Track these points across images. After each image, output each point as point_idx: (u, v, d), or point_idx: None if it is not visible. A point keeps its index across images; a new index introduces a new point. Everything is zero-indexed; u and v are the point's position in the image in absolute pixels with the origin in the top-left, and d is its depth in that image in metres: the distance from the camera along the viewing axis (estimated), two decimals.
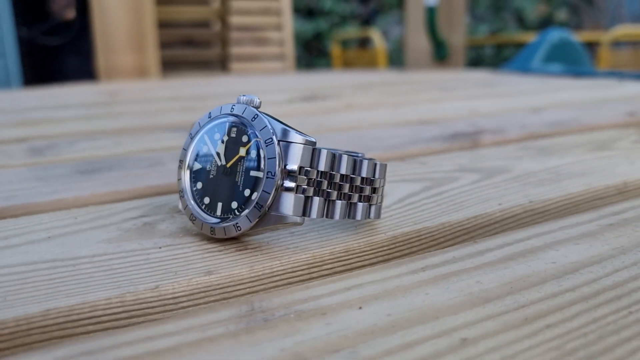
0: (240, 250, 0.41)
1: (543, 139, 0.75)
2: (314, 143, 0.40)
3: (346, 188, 0.41)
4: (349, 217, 0.42)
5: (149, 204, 0.52)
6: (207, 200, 0.43)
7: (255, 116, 0.41)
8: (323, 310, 0.32)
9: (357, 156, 0.43)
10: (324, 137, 0.81)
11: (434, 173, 0.59)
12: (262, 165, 0.40)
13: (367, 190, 0.42)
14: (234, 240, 0.42)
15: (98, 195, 0.56)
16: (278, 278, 0.39)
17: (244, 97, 0.43)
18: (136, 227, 0.46)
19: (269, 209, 0.40)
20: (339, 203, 0.41)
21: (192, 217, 0.43)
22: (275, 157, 0.40)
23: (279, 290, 0.35)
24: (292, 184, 0.40)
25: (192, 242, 0.42)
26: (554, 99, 1.20)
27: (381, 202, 0.44)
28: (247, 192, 0.41)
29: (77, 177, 0.63)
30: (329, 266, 0.41)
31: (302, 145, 0.40)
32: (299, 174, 0.40)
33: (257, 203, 0.40)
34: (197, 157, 0.44)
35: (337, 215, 0.42)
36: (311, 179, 0.40)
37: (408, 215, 0.47)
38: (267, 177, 0.40)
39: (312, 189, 0.40)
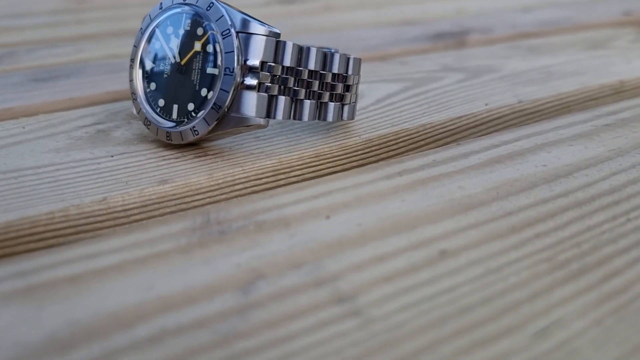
0: (200, 156, 0.37)
1: (534, 38, 0.70)
2: (277, 34, 0.35)
3: (315, 85, 0.37)
4: (319, 118, 0.38)
5: (105, 111, 0.47)
6: (161, 102, 0.38)
7: (211, 5, 0.36)
8: (286, 221, 0.29)
9: (328, 51, 0.38)
10: (299, 38, 0.76)
11: (416, 73, 0.54)
12: (219, 61, 0.35)
13: (339, 87, 0.38)
14: (192, 146, 0.38)
15: (50, 103, 0.51)
16: (241, 186, 0.35)
17: None
18: (88, 135, 0.41)
19: (228, 109, 0.35)
20: (307, 102, 0.37)
21: (147, 122, 0.39)
22: (233, 51, 0.35)
23: (239, 200, 0.32)
24: (254, 82, 0.35)
25: (148, 150, 0.38)
26: None
27: (355, 101, 0.39)
28: (204, 92, 0.36)
29: (31, 85, 0.58)
30: (297, 172, 0.37)
31: (265, 37, 0.35)
32: (262, 69, 0.35)
33: (214, 103, 0.35)
34: (149, 55, 0.39)
35: (305, 116, 0.37)
36: (275, 75, 0.36)
37: (385, 117, 0.43)
38: (224, 74, 0.35)
39: (276, 87, 0.36)
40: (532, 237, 0.26)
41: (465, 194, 0.31)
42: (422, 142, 0.41)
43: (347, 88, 0.38)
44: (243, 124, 0.36)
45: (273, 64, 0.35)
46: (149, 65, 0.39)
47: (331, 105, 0.38)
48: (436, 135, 0.42)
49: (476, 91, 0.48)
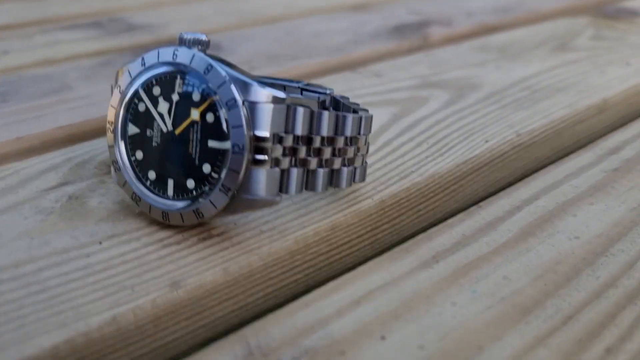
0: (205, 239, 0.33)
1: (497, 34, 0.69)
2: (283, 100, 0.31)
3: (327, 153, 0.33)
4: (331, 185, 0.35)
5: (66, 161, 0.41)
6: (152, 175, 0.33)
7: (209, 68, 0.31)
8: (339, 347, 0.26)
9: (341, 114, 0.34)
10: (253, 33, 0.70)
11: (396, 92, 0.51)
12: (224, 134, 0.31)
13: (351, 151, 0.35)
14: (191, 228, 0.34)
15: None
16: (258, 276, 0.32)
17: (189, 36, 0.32)
18: (60, 205, 0.36)
19: (237, 191, 0.31)
20: (320, 172, 0.34)
21: (135, 197, 0.34)
22: (242, 126, 0.30)
23: (275, 316, 0.28)
24: (264, 157, 0.31)
25: (141, 231, 0.34)
26: None
27: (366, 162, 0.36)
28: (206, 169, 0.32)
29: None
30: (314, 249, 0.34)
31: (272, 106, 0.31)
32: (272, 142, 0.31)
33: (223, 185, 0.31)
34: (132, 118, 0.34)
35: (319, 187, 0.34)
36: (286, 146, 0.32)
37: (390, 166, 0.40)
38: (233, 152, 0.31)
39: (287, 160, 0.32)
40: (603, 353, 0.25)
41: (513, 288, 0.29)
42: (432, 194, 0.39)
43: (358, 149, 0.35)
44: (254, 206, 0.32)
45: (284, 134, 0.32)
46: (132, 130, 0.34)
47: (344, 171, 0.34)
48: (444, 184, 0.39)
49: (469, 120, 0.46)
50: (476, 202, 0.37)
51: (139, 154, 0.34)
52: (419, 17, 0.74)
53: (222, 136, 0.31)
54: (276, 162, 0.32)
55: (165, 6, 0.82)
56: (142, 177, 0.34)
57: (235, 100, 0.30)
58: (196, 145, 0.32)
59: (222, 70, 0.31)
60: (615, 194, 0.37)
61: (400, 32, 0.69)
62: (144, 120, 0.33)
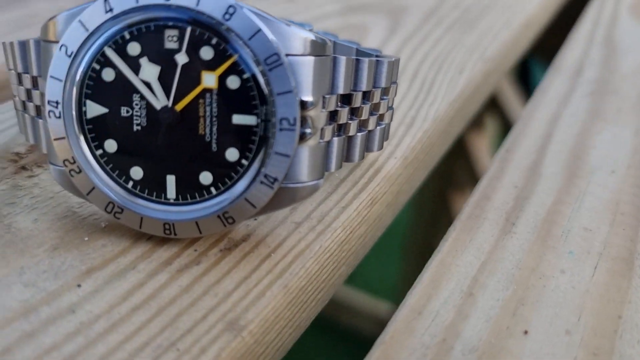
0: (229, 249, 0.24)
1: None
2: (324, 45, 0.23)
3: (365, 112, 0.26)
4: (366, 151, 0.27)
5: None
6: (137, 173, 0.23)
7: (231, 9, 0.21)
8: (481, 353, 0.20)
9: (373, 55, 0.27)
10: None
11: (324, 19, 0.44)
12: (257, 104, 0.22)
13: (383, 106, 0.27)
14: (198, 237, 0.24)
15: None
16: (314, 283, 0.24)
17: None
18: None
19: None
20: (359, 137, 0.26)
21: (115, 208, 0.23)
22: (291, 91, 0.22)
23: (390, 337, 0.21)
24: (308, 129, 0.23)
25: (126, 253, 0.23)
26: None
27: (392, 117, 0.29)
28: (231, 155, 0.22)
29: None
30: (357, 232, 0.27)
31: (313, 59, 0.22)
32: (316, 107, 0.23)
33: (266, 176, 0.22)
34: (93, 93, 0.22)
35: (356, 156, 0.26)
36: (330, 111, 0.24)
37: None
38: (281, 129, 0.22)
39: (330, 128, 0.24)
40: None
41: (600, 239, 0.26)
42: (436, 139, 0.33)
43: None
44: (297, 197, 0.23)
45: (328, 95, 0.23)
46: (95, 110, 0.22)
47: (377, 131, 0.27)
48: (444, 127, 0.34)
49: (427, 49, 0.41)
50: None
51: (110, 145, 0.23)
52: None
53: (253, 107, 0.22)
54: (321, 134, 0.23)
55: None
56: (119, 178, 0.23)
57: (277, 55, 0.21)
58: (212, 124, 0.22)
59: (250, 13, 0.21)
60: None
61: None
62: (115, 94, 0.22)
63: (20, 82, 0.26)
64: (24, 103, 0.26)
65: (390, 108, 0.28)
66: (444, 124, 0.34)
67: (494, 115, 0.86)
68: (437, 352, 0.20)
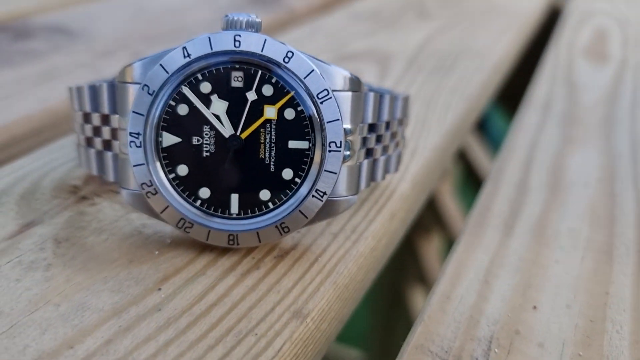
0: (282, 257, 0.28)
1: (356, 2, 0.70)
2: (359, 82, 0.28)
3: (387, 139, 0.31)
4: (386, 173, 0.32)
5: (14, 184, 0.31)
6: (205, 193, 0.27)
7: (289, 54, 0.26)
8: (511, 327, 0.25)
9: (389, 93, 0.32)
10: (96, 11, 0.60)
11: None
12: (308, 131, 0.26)
13: (399, 134, 0.32)
14: (253, 248, 0.28)
15: None
16: (354, 283, 0.28)
17: (242, 17, 0.26)
18: (52, 253, 0.27)
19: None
20: (381, 160, 0.31)
21: (186, 224, 0.27)
22: (339, 119, 0.26)
23: (424, 319, 0.25)
24: (348, 152, 0.27)
25: (194, 262, 0.27)
26: None
27: (404, 144, 0.34)
28: (287, 174, 0.27)
29: None
30: (383, 242, 0.31)
31: (351, 94, 0.27)
32: (354, 134, 0.28)
33: (318, 190, 0.27)
34: (169, 125, 0.26)
35: (379, 177, 0.31)
36: (363, 137, 0.29)
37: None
38: (330, 150, 0.26)
39: (363, 152, 0.29)
40: None
41: (584, 236, 0.31)
42: (434, 164, 0.39)
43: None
44: (337, 209, 0.28)
45: (362, 124, 0.28)
46: (169, 140, 0.26)
47: (394, 156, 0.32)
48: (441, 155, 0.40)
49: (416, 90, 0.46)
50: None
51: (182, 169, 0.27)
52: None
53: (306, 134, 0.26)
54: (357, 157, 0.28)
55: None
56: (189, 197, 0.27)
57: (327, 91, 0.26)
58: (270, 149, 0.27)
59: (306, 57, 0.26)
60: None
61: (259, 4, 0.65)
62: (188, 126, 0.26)
63: (87, 121, 0.30)
64: (88, 139, 0.30)
65: (403, 137, 0.33)
66: (439, 152, 0.39)
67: (458, 162, 0.93)
68: (467, 325, 0.25)
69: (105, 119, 0.29)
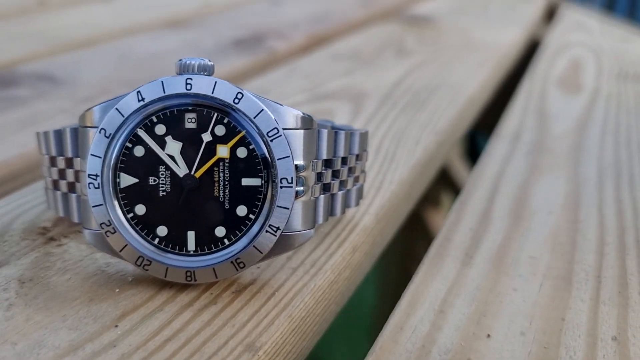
0: (239, 292, 0.28)
1: (332, 43, 0.71)
2: (311, 120, 0.29)
3: (344, 174, 0.32)
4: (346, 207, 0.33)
5: None
6: (162, 231, 0.28)
7: (239, 95, 0.27)
8: (462, 356, 0.25)
9: (348, 130, 0.33)
10: (78, 58, 0.61)
11: (296, 106, 0.50)
12: (261, 168, 0.27)
13: (358, 169, 0.33)
14: (213, 283, 0.29)
15: None
16: (311, 315, 0.29)
17: (194, 62, 0.27)
18: (15, 293, 0.27)
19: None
20: (339, 195, 0.32)
21: (144, 261, 0.27)
22: (289, 156, 0.27)
23: (378, 347, 0.26)
24: (301, 187, 0.28)
25: (154, 299, 0.28)
26: None
27: (364, 179, 0.35)
28: (241, 211, 0.28)
29: None
30: (343, 275, 0.32)
31: (303, 132, 0.28)
32: (307, 170, 0.28)
33: (271, 226, 0.27)
34: (126, 167, 0.27)
35: (338, 211, 0.32)
36: (317, 172, 0.29)
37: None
38: (281, 186, 0.27)
39: (318, 187, 0.30)
40: None
41: (544, 264, 0.31)
42: (404, 198, 0.39)
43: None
44: (295, 243, 0.28)
45: (315, 160, 0.29)
46: (127, 181, 0.27)
47: (353, 190, 0.33)
48: (408, 190, 0.40)
49: (387, 127, 0.47)
50: (427, 198, 0.38)
51: (140, 209, 0.27)
52: (247, 32, 0.73)
53: (258, 172, 0.27)
54: (312, 192, 0.29)
55: None
56: (147, 236, 0.28)
57: (277, 129, 0.27)
58: (224, 187, 0.27)
59: (254, 97, 0.27)
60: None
61: (241, 47, 0.67)
62: (144, 166, 0.27)
63: (53, 164, 0.31)
64: (55, 182, 0.31)
65: (363, 171, 0.34)
66: (407, 185, 0.40)
67: (447, 188, 0.93)
68: (419, 355, 0.25)
69: (70, 162, 0.30)
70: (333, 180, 0.31)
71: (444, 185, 0.88)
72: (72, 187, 0.30)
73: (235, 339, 0.26)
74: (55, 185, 0.31)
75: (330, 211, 0.31)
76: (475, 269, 0.31)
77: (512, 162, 0.43)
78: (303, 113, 0.28)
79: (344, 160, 0.31)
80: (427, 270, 0.31)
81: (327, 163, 0.30)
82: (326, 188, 0.31)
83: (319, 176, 0.30)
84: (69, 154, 0.29)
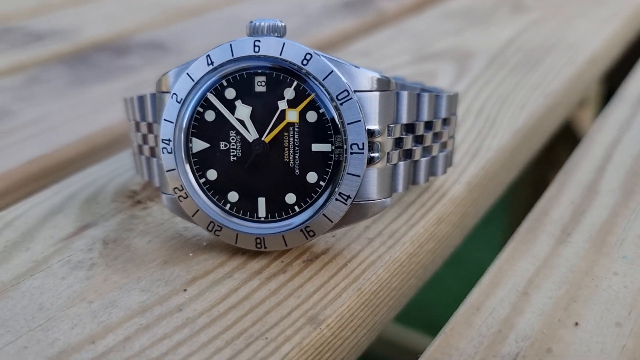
0: (310, 261, 0.28)
1: (445, 1, 0.67)
2: (388, 82, 0.27)
3: (428, 139, 0.30)
4: (430, 175, 0.31)
5: (67, 198, 0.33)
6: (233, 196, 0.27)
7: (308, 56, 0.26)
8: (543, 344, 0.22)
9: (434, 91, 0.30)
10: (189, 26, 0.63)
11: (397, 69, 0.48)
12: (331, 134, 0.26)
13: (445, 135, 0.31)
14: (285, 251, 0.28)
15: None
16: (385, 289, 0.27)
17: (265, 22, 0.26)
18: (99, 254, 0.28)
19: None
20: (422, 162, 0.30)
21: (215, 227, 0.27)
22: (360, 120, 0.26)
23: (450, 328, 0.24)
24: (376, 154, 0.26)
25: (224, 265, 0.28)
26: None
27: (454, 145, 0.32)
28: (311, 177, 0.26)
29: None
30: (425, 248, 0.30)
31: (378, 94, 0.26)
32: (382, 135, 0.27)
33: (341, 194, 0.26)
34: (198, 131, 0.27)
35: (421, 179, 0.30)
36: (395, 138, 0.28)
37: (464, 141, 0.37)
38: (352, 152, 0.26)
39: (396, 153, 0.28)
40: None
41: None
42: (500, 168, 0.36)
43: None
44: (367, 213, 0.27)
45: (393, 124, 0.27)
46: (200, 146, 0.27)
47: (440, 157, 0.31)
48: (507, 157, 0.37)
49: (492, 89, 0.44)
50: (527, 169, 0.35)
51: (212, 174, 0.27)
52: None
53: (329, 137, 0.26)
54: (388, 158, 0.27)
55: (60, 8, 0.71)
56: (219, 201, 0.27)
57: (347, 91, 0.25)
58: (294, 152, 0.26)
59: (324, 58, 0.26)
60: None
61: (349, 8, 0.65)
62: (215, 131, 0.27)
63: (137, 130, 0.31)
64: (140, 147, 0.32)
65: (451, 137, 0.31)
66: (506, 153, 0.37)
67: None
68: (493, 340, 0.23)
69: (150, 127, 0.30)
70: (415, 146, 0.29)
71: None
72: (153, 152, 0.31)
73: (299, 310, 0.25)
74: (140, 149, 0.32)
75: (412, 179, 0.30)
76: (571, 248, 0.28)
77: (632, 129, 0.38)
78: (381, 75, 0.26)
79: (429, 125, 0.29)
80: (516, 247, 0.28)
81: (409, 128, 0.28)
82: (407, 154, 0.29)
83: (398, 142, 0.28)
84: (150, 119, 0.30)
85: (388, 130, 0.27)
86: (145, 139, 0.31)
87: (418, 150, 0.29)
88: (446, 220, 0.31)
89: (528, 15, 0.61)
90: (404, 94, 0.27)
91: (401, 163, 0.28)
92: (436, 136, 0.30)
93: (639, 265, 0.27)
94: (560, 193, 0.32)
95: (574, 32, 0.55)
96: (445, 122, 0.30)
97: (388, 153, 0.27)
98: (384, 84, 0.26)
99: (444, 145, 0.31)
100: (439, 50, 0.52)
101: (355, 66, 0.26)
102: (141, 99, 0.30)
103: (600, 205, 0.31)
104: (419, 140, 0.29)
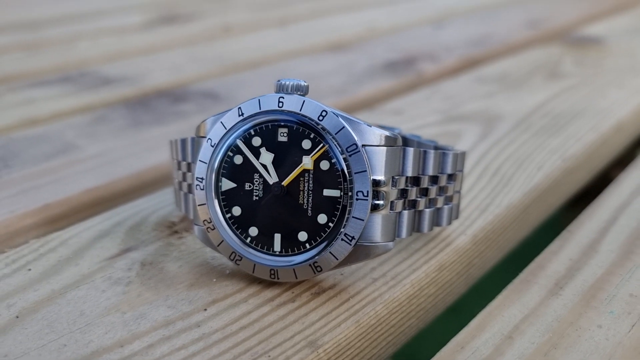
0: (318, 294, 0.31)
1: (485, 66, 0.71)
2: (395, 139, 0.30)
3: (433, 192, 0.33)
4: (435, 225, 0.34)
5: (115, 225, 0.38)
6: (254, 231, 0.31)
7: (323, 113, 0.30)
8: None
9: (441, 148, 0.34)
10: (243, 78, 0.69)
11: (424, 128, 0.52)
12: (341, 181, 0.29)
13: (451, 189, 0.34)
14: (297, 283, 0.32)
15: (18, 216, 0.40)
16: (384, 325, 0.30)
17: (289, 82, 0.31)
18: (135, 273, 0.32)
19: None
20: (427, 212, 0.33)
21: (236, 257, 0.31)
22: (365, 171, 0.29)
23: None
24: (381, 202, 0.30)
25: (242, 291, 0.31)
26: (440, 6, 1.16)
27: (459, 199, 0.35)
28: (322, 219, 0.30)
29: None
30: (426, 292, 0.33)
31: (385, 149, 0.30)
32: (389, 185, 0.30)
33: (346, 235, 0.29)
34: (227, 173, 0.31)
35: (425, 228, 0.33)
36: (400, 189, 0.31)
37: (462, 200, 0.39)
38: (357, 199, 0.29)
39: (400, 202, 0.31)
40: None
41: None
42: (509, 223, 0.39)
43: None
44: (371, 254, 0.30)
45: (398, 176, 0.30)
46: (227, 185, 0.31)
47: (445, 209, 0.34)
48: (517, 214, 0.39)
49: (512, 150, 0.47)
50: (542, 227, 0.37)
51: (236, 210, 0.31)
52: (402, 55, 0.75)
53: (338, 184, 0.29)
54: (392, 206, 0.30)
55: (132, 56, 0.78)
56: (241, 235, 0.31)
57: (356, 145, 0.29)
58: (308, 196, 0.30)
59: (337, 115, 0.29)
60: None
61: (391, 69, 0.70)
62: (242, 173, 0.31)
63: (179, 168, 0.36)
64: (180, 183, 0.36)
65: (457, 192, 0.34)
66: (517, 211, 0.39)
67: None
68: None
69: (189, 167, 0.35)
70: (420, 197, 0.32)
71: None
72: (190, 189, 0.35)
73: (301, 335, 0.28)
74: (180, 186, 0.36)
75: (417, 227, 0.32)
76: (561, 300, 0.30)
77: None
78: (391, 133, 0.30)
79: (434, 179, 0.32)
80: (507, 296, 0.30)
81: (414, 180, 0.31)
82: (411, 204, 0.32)
83: (403, 192, 0.31)
84: (189, 160, 0.34)
85: (393, 181, 0.30)
86: (184, 176, 0.35)
87: (422, 201, 0.32)
88: (449, 268, 0.34)
89: (563, 82, 0.64)
90: (410, 150, 0.31)
91: (405, 211, 0.31)
92: (441, 190, 0.33)
93: (625, 320, 0.28)
94: (560, 249, 0.34)
95: (604, 100, 0.58)
96: (451, 177, 0.33)
97: (392, 201, 0.30)
98: (391, 141, 0.30)
99: (449, 199, 0.34)
100: (468, 111, 0.55)
101: (368, 124, 0.30)
102: (183, 141, 0.35)
103: (596, 264, 0.33)
104: (423, 192, 0.32)
